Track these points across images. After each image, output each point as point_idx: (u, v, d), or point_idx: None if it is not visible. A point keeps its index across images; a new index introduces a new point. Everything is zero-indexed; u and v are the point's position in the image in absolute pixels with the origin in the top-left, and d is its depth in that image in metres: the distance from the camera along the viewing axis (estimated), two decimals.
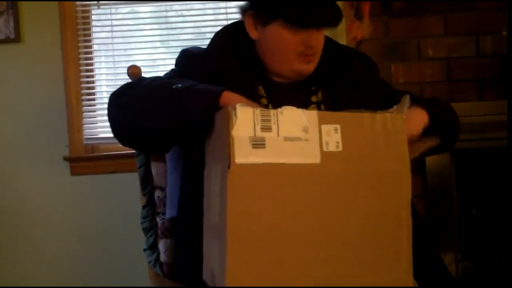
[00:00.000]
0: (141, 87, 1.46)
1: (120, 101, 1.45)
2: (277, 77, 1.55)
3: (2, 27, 2.77)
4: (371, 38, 2.73)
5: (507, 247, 2.64)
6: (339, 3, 2.61)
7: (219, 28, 1.68)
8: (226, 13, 2.86)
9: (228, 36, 1.61)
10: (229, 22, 2.75)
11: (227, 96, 1.32)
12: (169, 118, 1.34)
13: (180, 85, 1.38)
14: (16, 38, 2.77)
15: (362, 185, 1.18)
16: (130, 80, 1.95)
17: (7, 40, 2.78)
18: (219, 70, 1.52)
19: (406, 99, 1.23)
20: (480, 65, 2.75)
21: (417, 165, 2.64)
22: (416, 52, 2.77)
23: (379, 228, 1.19)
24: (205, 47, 1.63)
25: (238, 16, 1.62)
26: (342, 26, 2.74)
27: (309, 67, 1.53)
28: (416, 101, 1.47)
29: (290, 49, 1.49)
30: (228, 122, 1.12)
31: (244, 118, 1.12)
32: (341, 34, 2.75)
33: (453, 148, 1.61)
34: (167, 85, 1.41)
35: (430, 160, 2.65)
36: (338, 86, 1.56)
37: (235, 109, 1.12)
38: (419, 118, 1.43)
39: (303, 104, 1.52)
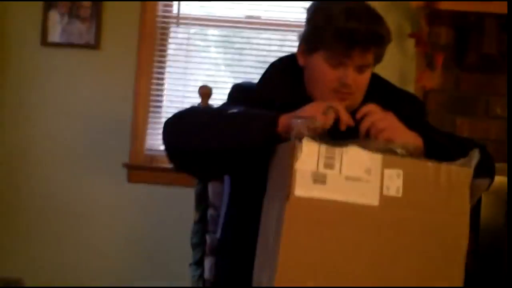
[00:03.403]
0: (196, 113, 1.51)
1: (177, 126, 1.49)
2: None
3: (84, 33, 2.87)
4: (440, 89, 2.72)
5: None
6: (410, 48, 2.69)
7: None
8: (291, 46, 2.89)
9: (283, 67, 1.64)
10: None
11: (284, 118, 1.34)
12: (228, 140, 1.38)
13: (236, 110, 1.42)
14: (96, 45, 2.88)
15: (418, 234, 1.17)
16: (199, 99, 2.01)
17: (86, 46, 2.88)
18: (273, 100, 1.53)
19: (475, 154, 1.22)
20: None
21: (471, 221, 2.60)
22: (483, 108, 2.75)
23: (429, 280, 1.18)
24: (256, 81, 1.65)
25: None
26: (412, 72, 2.77)
27: (343, 105, 1.49)
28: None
29: (326, 82, 1.49)
30: (292, 155, 1.14)
31: (309, 153, 1.14)
32: (410, 81, 2.76)
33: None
34: (223, 110, 1.46)
35: (484, 218, 2.60)
36: None
37: (301, 142, 1.15)
38: (413, 135, 1.38)
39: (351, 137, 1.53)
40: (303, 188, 1.13)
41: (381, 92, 1.62)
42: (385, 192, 1.15)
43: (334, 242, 1.15)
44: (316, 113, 1.32)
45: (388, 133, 1.32)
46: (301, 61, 1.58)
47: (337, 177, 1.14)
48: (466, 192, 1.20)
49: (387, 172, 1.15)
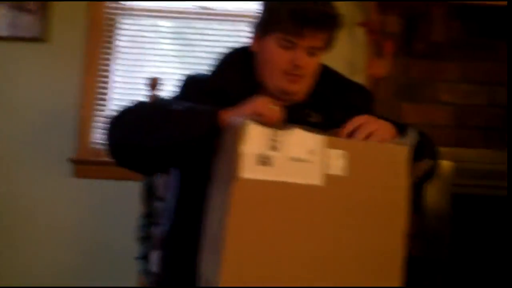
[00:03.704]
0: (140, 109, 1.50)
1: (120, 123, 1.48)
2: (273, 96, 1.54)
3: (31, 26, 2.82)
4: (389, 76, 2.76)
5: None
6: (360, 36, 2.72)
7: None
8: (243, 37, 2.89)
9: (234, 58, 1.65)
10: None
11: (226, 114, 1.35)
12: (170, 136, 1.37)
13: (179, 107, 1.42)
14: (43, 38, 2.83)
15: (362, 211, 1.19)
16: (148, 90, 2.00)
17: (34, 39, 2.82)
18: (224, 90, 1.54)
19: (413, 133, 1.25)
20: (490, 115, 2.78)
21: (417, 204, 2.66)
22: (430, 95, 2.80)
23: (373, 255, 1.20)
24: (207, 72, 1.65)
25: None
26: (361, 61, 2.80)
27: (293, 87, 1.54)
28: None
29: (278, 64, 1.52)
30: (238, 138, 1.15)
31: (254, 136, 1.15)
32: (360, 69, 2.79)
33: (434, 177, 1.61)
34: (167, 106, 1.45)
35: (430, 201, 2.66)
36: (335, 111, 1.58)
37: (246, 125, 1.15)
38: (389, 126, 1.39)
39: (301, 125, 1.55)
40: (249, 170, 1.13)
41: (330, 82, 1.65)
42: (329, 171, 1.17)
43: (281, 223, 1.16)
44: (263, 105, 1.32)
45: (378, 137, 1.31)
46: (254, 46, 1.59)
47: (282, 159, 1.15)
48: (405, 169, 1.22)
49: (330, 152, 1.17)
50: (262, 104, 1.33)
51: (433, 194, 2.64)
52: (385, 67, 2.72)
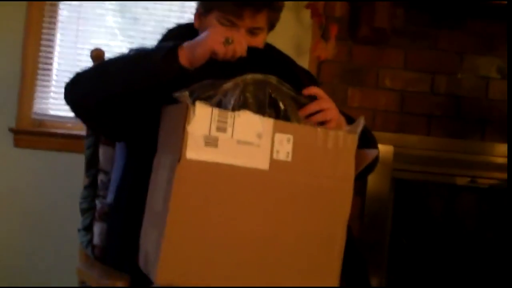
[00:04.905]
0: (95, 66, 1.50)
1: (78, 82, 1.47)
2: None
3: None
4: (333, 60, 2.79)
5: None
6: (306, 19, 2.74)
7: None
8: (192, 13, 2.84)
9: (179, 33, 1.65)
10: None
11: (183, 49, 1.36)
12: (132, 78, 1.37)
13: (135, 52, 1.44)
14: None
15: (305, 197, 1.21)
16: (92, 62, 1.95)
17: None
18: None
19: (361, 121, 1.27)
20: (432, 102, 2.85)
21: (358, 187, 2.72)
22: (374, 80, 2.85)
23: (313, 241, 1.23)
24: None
25: None
26: (307, 43, 2.82)
27: None
28: None
29: None
30: (185, 117, 1.15)
31: (201, 116, 1.15)
32: (305, 51, 2.81)
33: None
34: (121, 55, 1.47)
35: (370, 184, 2.73)
36: None
37: (194, 105, 1.15)
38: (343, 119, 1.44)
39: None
40: (194, 150, 1.14)
41: (279, 63, 1.65)
42: (275, 156, 1.18)
43: (223, 204, 1.17)
44: (215, 43, 1.33)
45: (334, 125, 1.36)
46: (196, 23, 1.60)
47: (228, 141, 1.16)
48: (352, 157, 1.25)
49: (278, 136, 1.18)
50: (215, 41, 1.34)
51: (373, 177, 2.70)
52: (330, 50, 2.74)
